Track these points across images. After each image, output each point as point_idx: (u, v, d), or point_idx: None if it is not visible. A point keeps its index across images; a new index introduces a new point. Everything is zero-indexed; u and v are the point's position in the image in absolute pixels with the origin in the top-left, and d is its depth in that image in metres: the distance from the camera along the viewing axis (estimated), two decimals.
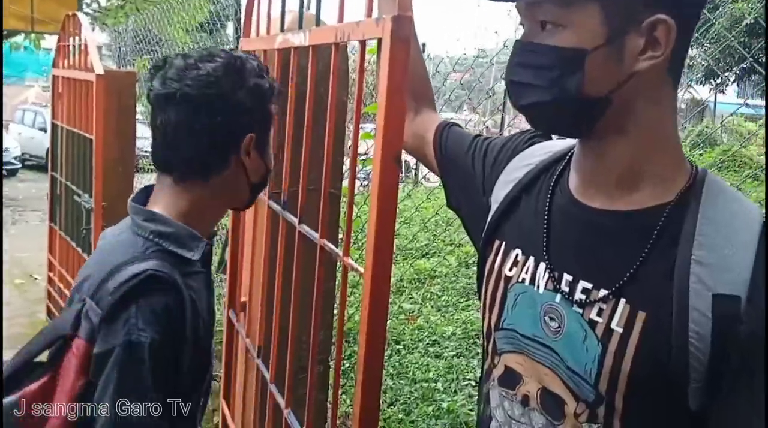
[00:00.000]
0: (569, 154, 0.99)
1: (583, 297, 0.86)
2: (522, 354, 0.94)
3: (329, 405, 1.98)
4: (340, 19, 1.20)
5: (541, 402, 0.91)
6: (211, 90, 1.14)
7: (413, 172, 14.60)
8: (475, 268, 5.56)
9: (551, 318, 0.90)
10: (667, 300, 0.80)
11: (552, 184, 0.98)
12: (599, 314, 0.85)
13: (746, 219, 0.82)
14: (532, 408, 0.92)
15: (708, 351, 0.77)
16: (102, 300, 1.07)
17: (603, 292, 0.85)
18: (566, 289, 0.89)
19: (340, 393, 1.37)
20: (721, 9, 9.18)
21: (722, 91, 12.69)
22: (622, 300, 0.83)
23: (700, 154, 11.24)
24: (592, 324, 0.85)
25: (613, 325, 0.83)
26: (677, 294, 0.79)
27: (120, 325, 1.04)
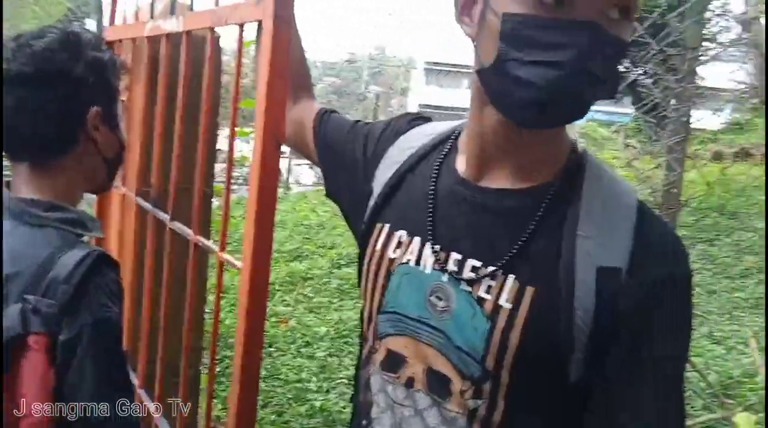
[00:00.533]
0: (453, 136, 0.99)
1: (472, 275, 0.86)
2: (406, 336, 0.92)
3: (201, 410, 1.92)
4: (217, 3, 1.16)
5: (426, 383, 0.90)
6: (48, 66, 1.12)
7: (284, 176, 14.50)
8: (347, 270, 5.57)
9: (438, 298, 0.89)
10: (554, 275, 0.81)
11: (437, 165, 0.97)
12: (488, 291, 0.85)
13: (625, 197, 0.86)
14: (417, 389, 0.91)
15: (590, 323, 0.80)
16: (50, 290, 1.05)
17: (491, 269, 0.85)
18: (454, 268, 0.88)
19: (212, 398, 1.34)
20: None
21: None
22: (511, 277, 0.84)
23: None
24: (481, 301, 0.85)
25: (501, 301, 0.83)
26: (564, 267, 0.81)
27: (84, 308, 1.05)
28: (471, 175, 0.92)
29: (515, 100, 0.80)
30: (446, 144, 0.99)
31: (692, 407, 3.13)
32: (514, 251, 0.84)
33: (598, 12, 0.76)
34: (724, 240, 7.60)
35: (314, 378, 3.90)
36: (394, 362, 0.94)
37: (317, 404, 3.55)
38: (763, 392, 3.08)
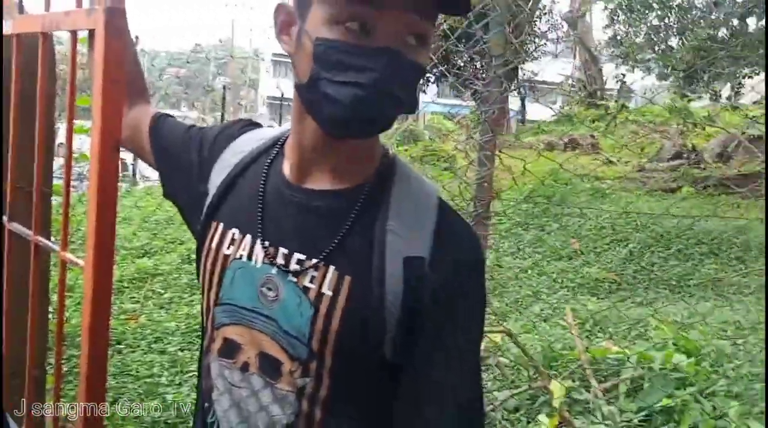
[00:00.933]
0: (280, 142, 1.09)
1: (298, 267, 0.97)
2: (241, 325, 1.01)
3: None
4: (47, 8, 1.17)
5: (259, 366, 0.99)
6: None
7: (130, 170, 13.89)
8: None
9: (269, 289, 0.99)
10: (368, 265, 0.93)
11: (266, 168, 1.06)
12: (312, 281, 0.96)
13: (428, 196, 1.00)
14: (251, 373, 1.00)
15: (399, 308, 0.93)
16: None
17: (314, 261, 0.96)
18: (282, 262, 0.98)
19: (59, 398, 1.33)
20: None
21: (423, 91, 14.04)
22: (331, 268, 0.95)
23: (406, 149, 12.45)
24: (306, 290, 0.95)
25: (324, 290, 0.94)
26: (377, 259, 0.93)
27: None
28: (295, 177, 1.02)
29: (325, 115, 0.92)
30: (273, 149, 1.09)
31: (519, 378, 3.45)
32: (334, 245, 0.96)
33: (398, 39, 0.89)
34: (553, 226, 8.27)
35: (166, 373, 3.85)
36: (230, 349, 1.03)
37: (169, 397, 3.53)
38: (578, 361, 3.45)
